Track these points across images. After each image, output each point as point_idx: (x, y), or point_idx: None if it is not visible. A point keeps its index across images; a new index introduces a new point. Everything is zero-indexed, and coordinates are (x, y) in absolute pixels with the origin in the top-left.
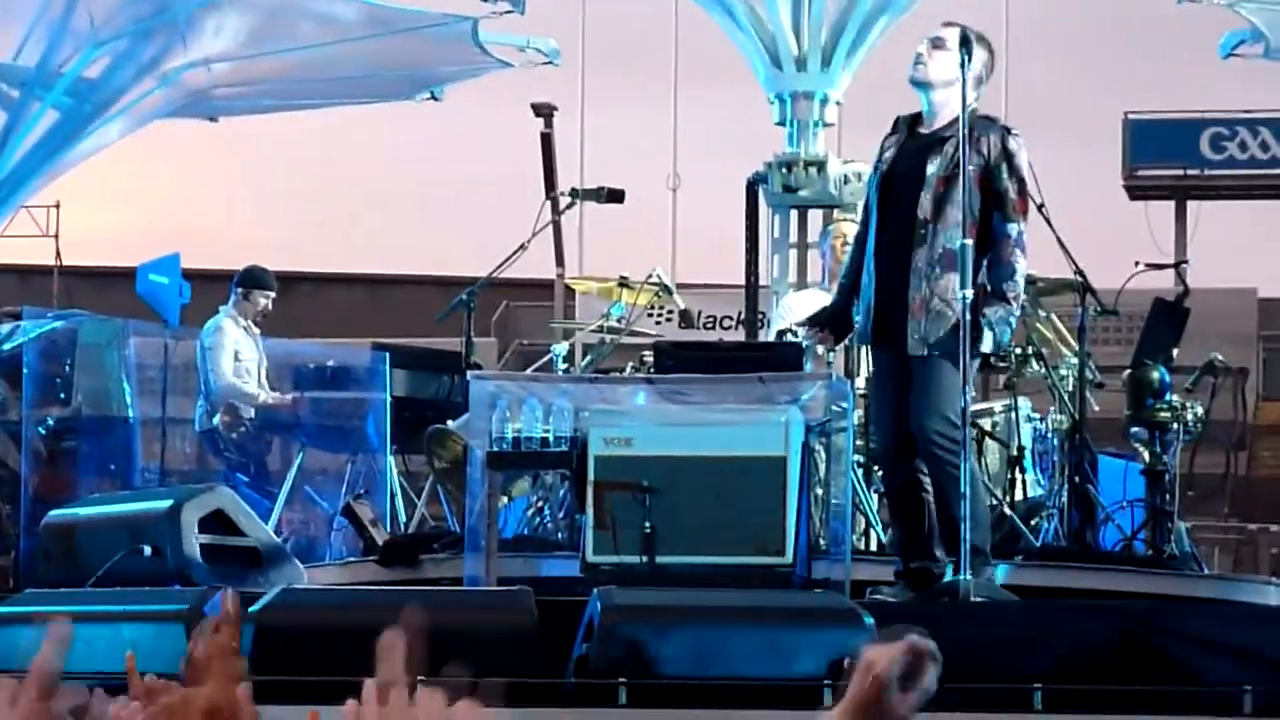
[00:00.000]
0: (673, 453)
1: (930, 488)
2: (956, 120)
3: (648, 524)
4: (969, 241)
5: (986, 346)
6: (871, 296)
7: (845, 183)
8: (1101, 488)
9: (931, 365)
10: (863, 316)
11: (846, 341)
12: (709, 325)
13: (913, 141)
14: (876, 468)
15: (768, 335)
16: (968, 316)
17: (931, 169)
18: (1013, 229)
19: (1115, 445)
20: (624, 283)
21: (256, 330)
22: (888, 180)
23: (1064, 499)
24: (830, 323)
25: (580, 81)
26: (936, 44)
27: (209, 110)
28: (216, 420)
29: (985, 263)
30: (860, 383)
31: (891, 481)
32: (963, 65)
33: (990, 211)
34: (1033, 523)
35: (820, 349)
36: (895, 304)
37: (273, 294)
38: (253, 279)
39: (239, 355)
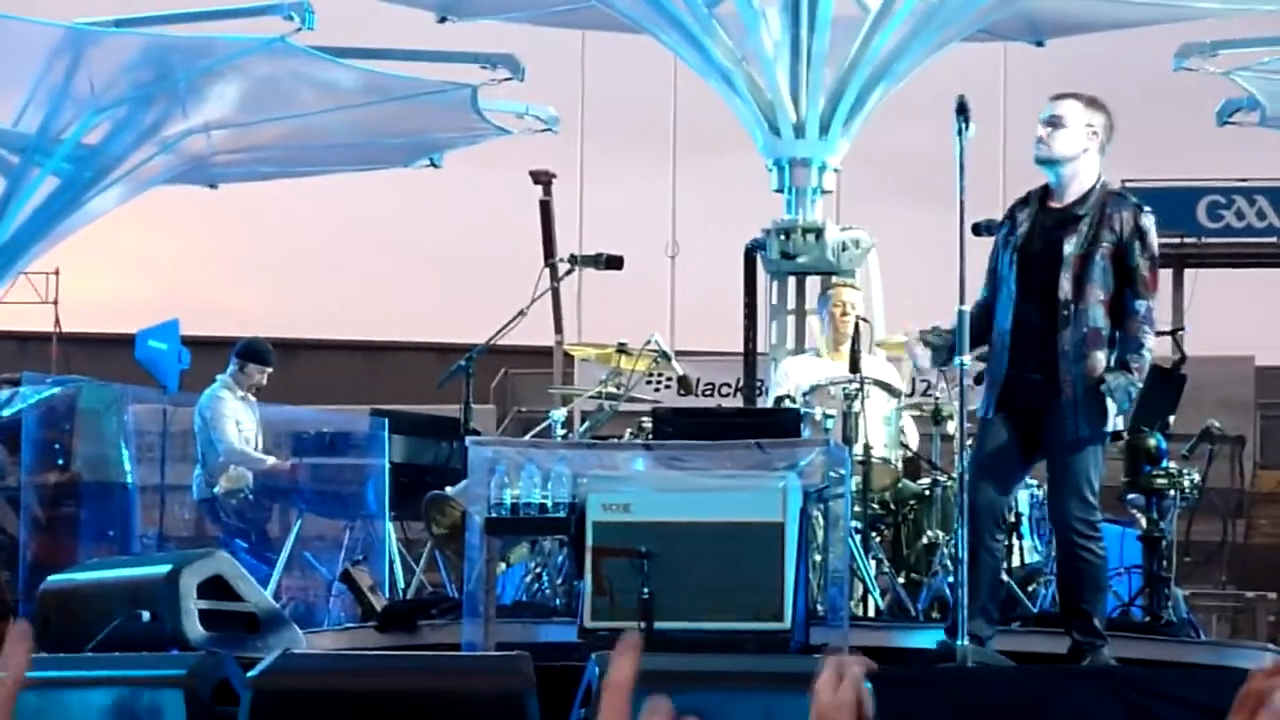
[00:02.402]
0: (671, 518)
1: (998, 556)
2: (1089, 194)
3: (646, 589)
4: (965, 309)
5: (1113, 424)
6: (1003, 371)
7: (844, 249)
8: None
9: (1076, 448)
10: (991, 391)
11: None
12: (707, 392)
13: (1046, 216)
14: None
15: (766, 402)
16: (967, 381)
17: (1068, 248)
18: (1142, 305)
19: (1112, 512)
20: (623, 349)
21: (253, 399)
22: (1024, 257)
23: None
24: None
25: (579, 148)
26: (1053, 122)
27: (209, 177)
28: (217, 488)
29: (1116, 337)
30: (858, 448)
31: (972, 542)
32: (960, 133)
33: (1123, 287)
34: (1030, 589)
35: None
36: (1029, 381)
37: (270, 369)
38: (251, 353)
39: (239, 424)
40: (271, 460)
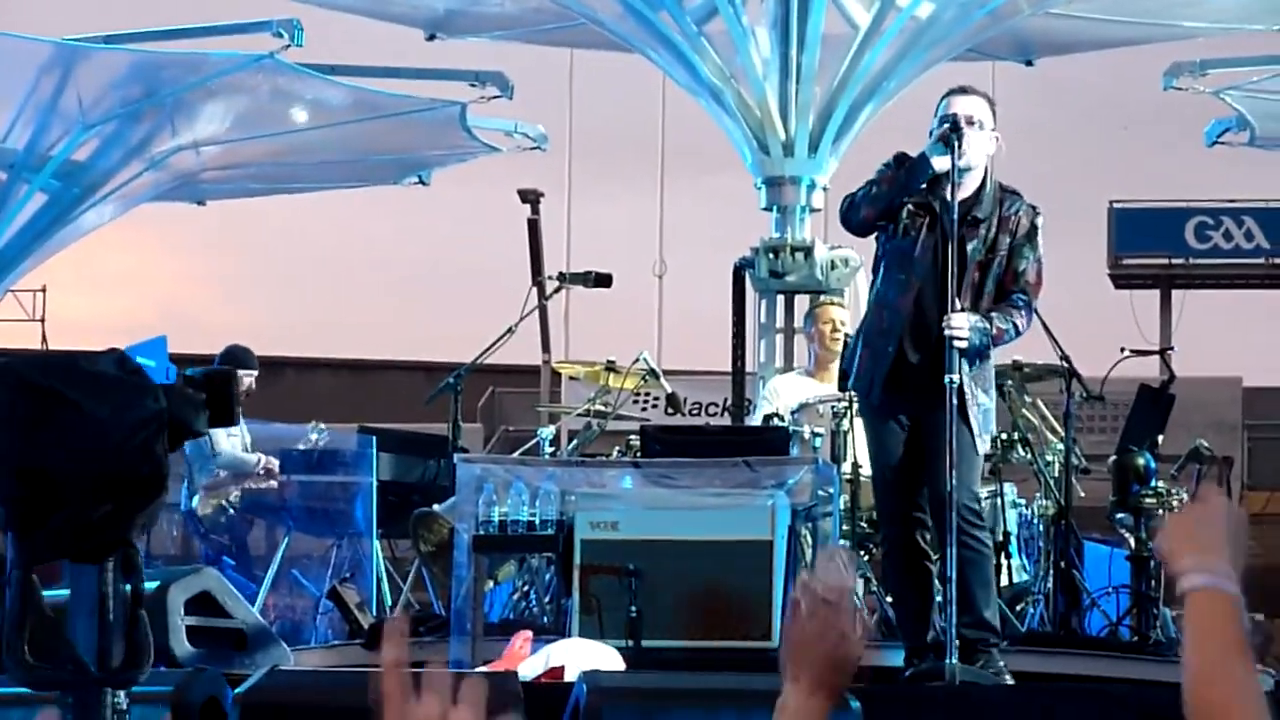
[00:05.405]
0: (659, 536)
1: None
2: (982, 190)
3: (634, 607)
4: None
5: (989, 428)
6: (891, 351)
7: (832, 268)
8: (1087, 573)
9: (961, 438)
10: (874, 378)
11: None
12: (695, 411)
13: (946, 210)
14: (875, 540)
15: (754, 420)
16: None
17: (970, 249)
18: (1022, 299)
19: (1100, 531)
20: (611, 367)
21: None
22: (930, 248)
23: (1049, 585)
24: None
25: (567, 167)
26: (971, 121)
27: (197, 194)
28: (195, 504)
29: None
30: (846, 466)
31: (903, 552)
32: (952, 152)
33: (1008, 286)
34: (1018, 608)
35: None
36: (919, 373)
37: (255, 372)
38: (234, 359)
39: (228, 432)
40: (261, 458)
